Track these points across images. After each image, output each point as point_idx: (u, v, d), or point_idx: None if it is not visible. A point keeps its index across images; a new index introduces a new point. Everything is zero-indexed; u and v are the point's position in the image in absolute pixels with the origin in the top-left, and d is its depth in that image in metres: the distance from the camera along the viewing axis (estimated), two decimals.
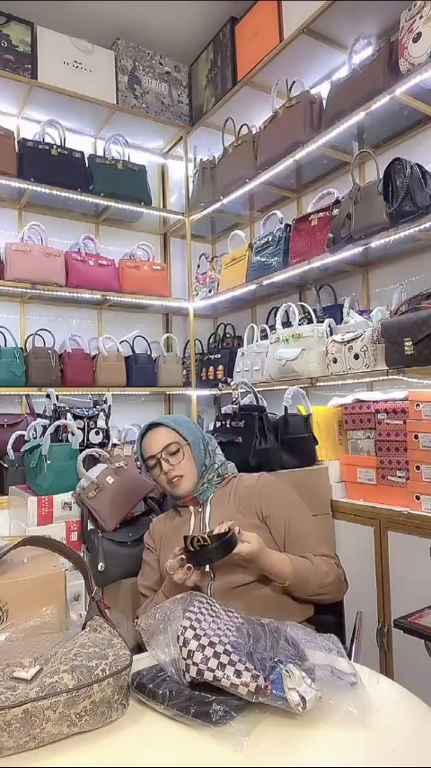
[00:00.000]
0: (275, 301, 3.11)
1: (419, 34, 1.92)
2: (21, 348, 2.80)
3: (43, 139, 2.86)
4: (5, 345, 2.77)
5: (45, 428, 2.02)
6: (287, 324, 2.58)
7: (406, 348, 1.88)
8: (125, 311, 3.41)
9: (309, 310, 2.56)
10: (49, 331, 2.92)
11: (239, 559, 1.22)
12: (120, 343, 3.08)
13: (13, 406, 2.94)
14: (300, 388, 2.23)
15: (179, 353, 3.46)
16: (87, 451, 1.98)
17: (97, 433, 2.24)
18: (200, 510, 1.45)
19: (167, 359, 3.22)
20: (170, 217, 3.45)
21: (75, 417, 2.17)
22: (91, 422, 2.23)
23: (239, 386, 2.15)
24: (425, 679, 1.63)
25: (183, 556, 1.19)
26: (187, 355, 3.37)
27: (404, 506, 1.91)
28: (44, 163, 2.80)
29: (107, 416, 2.31)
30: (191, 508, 1.47)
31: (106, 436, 2.28)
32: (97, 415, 2.27)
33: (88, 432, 2.22)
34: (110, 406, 2.35)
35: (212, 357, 3.19)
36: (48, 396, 2.29)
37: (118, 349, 3.03)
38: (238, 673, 0.82)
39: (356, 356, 2.12)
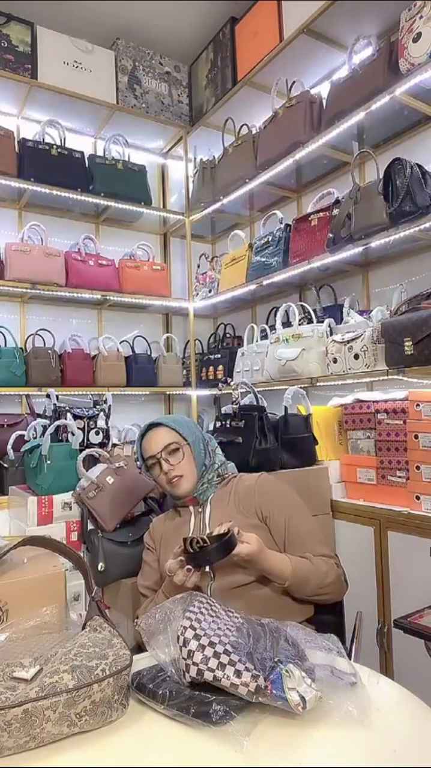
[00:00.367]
0: (275, 301, 3.11)
1: (419, 34, 1.92)
2: (21, 348, 2.80)
3: (43, 139, 2.86)
4: (5, 345, 2.77)
5: (45, 428, 2.02)
6: (287, 324, 2.58)
7: (406, 348, 1.88)
8: (125, 311, 3.41)
9: (309, 310, 2.56)
10: (49, 331, 2.92)
11: (238, 560, 1.22)
12: (120, 343, 3.08)
13: (13, 406, 2.95)
14: (300, 388, 2.23)
15: (179, 353, 3.46)
16: (87, 451, 1.98)
17: (97, 433, 2.24)
18: (200, 510, 1.45)
19: (167, 359, 3.22)
20: (170, 217, 3.45)
21: (75, 417, 2.17)
22: (91, 422, 2.23)
23: (239, 386, 2.15)
24: (425, 679, 1.63)
25: (183, 558, 1.19)
26: (187, 355, 3.37)
27: (404, 506, 1.91)
28: (44, 163, 2.80)
29: (107, 416, 2.31)
30: (191, 508, 1.47)
31: (107, 436, 2.28)
32: (97, 415, 2.26)
33: (88, 432, 2.22)
34: (110, 406, 2.35)
35: (212, 357, 3.19)
36: (48, 396, 2.29)
37: (118, 349, 3.03)
38: (238, 673, 0.82)
39: (356, 356, 2.12)
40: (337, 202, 2.36)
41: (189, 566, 1.19)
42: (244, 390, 2.16)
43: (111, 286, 3.00)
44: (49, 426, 1.99)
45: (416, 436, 1.88)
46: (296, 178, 2.89)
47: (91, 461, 2.02)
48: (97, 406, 2.33)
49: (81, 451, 1.97)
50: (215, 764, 0.73)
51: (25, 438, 2.16)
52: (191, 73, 3.46)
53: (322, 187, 2.73)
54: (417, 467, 1.88)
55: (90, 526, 1.86)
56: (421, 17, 1.93)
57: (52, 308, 3.14)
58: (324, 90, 2.48)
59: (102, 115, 3.14)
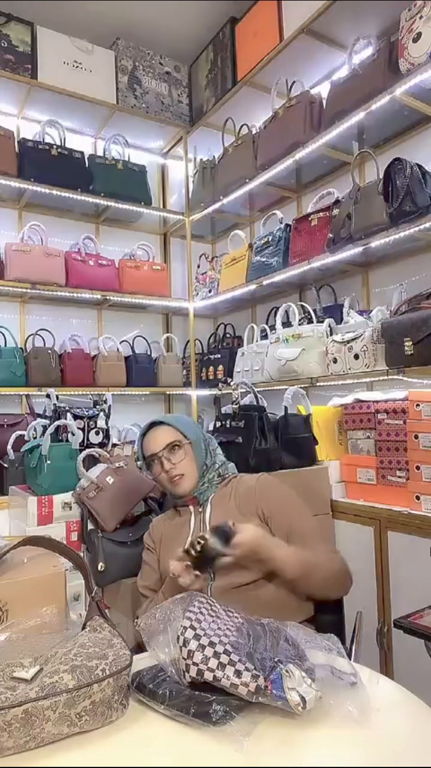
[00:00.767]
0: (275, 301, 3.11)
1: (419, 34, 1.92)
2: (21, 348, 2.80)
3: (43, 139, 2.86)
4: (5, 345, 2.77)
5: (45, 428, 2.02)
6: (287, 324, 2.58)
7: (406, 348, 1.89)
8: (125, 311, 3.41)
9: (309, 310, 2.56)
10: (49, 331, 2.92)
11: (244, 552, 1.20)
12: (120, 343, 3.08)
13: (13, 406, 2.94)
14: (300, 388, 2.23)
15: (179, 353, 3.46)
16: (87, 451, 1.98)
17: (97, 433, 2.24)
18: (200, 510, 1.45)
19: (167, 359, 3.22)
20: (170, 217, 3.45)
21: (75, 417, 2.17)
22: (91, 422, 2.23)
23: (239, 386, 2.15)
24: (425, 679, 1.62)
25: (189, 563, 1.18)
26: (187, 355, 3.37)
27: (404, 506, 1.91)
28: (44, 163, 2.80)
29: (107, 416, 2.31)
30: (191, 508, 1.47)
31: (107, 436, 2.28)
32: (97, 415, 2.27)
33: (88, 432, 2.22)
34: (109, 406, 2.35)
35: (212, 357, 3.19)
36: (48, 396, 2.29)
37: (118, 349, 3.03)
38: (238, 673, 0.82)
39: (356, 356, 2.12)
40: (337, 202, 2.36)
41: (197, 572, 1.18)
42: (244, 390, 2.16)
43: (111, 286, 3.00)
44: (49, 426, 1.99)
45: (416, 436, 1.88)
46: (296, 178, 2.89)
47: (91, 461, 2.02)
48: (97, 406, 2.33)
49: (81, 451, 1.97)
50: (215, 764, 0.73)
51: (25, 438, 2.16)
52: (191, 73, 3.46)
53: (322, 187, 2.73)
54: (417, 467, 1.88)
55: (90, 526, 1.85)
56: (421, 17, 1.93)
57: (52, 308, 3.14)
58: (324, 90, 2.48)
59: (102, 115, 3.14)
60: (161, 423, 1.49)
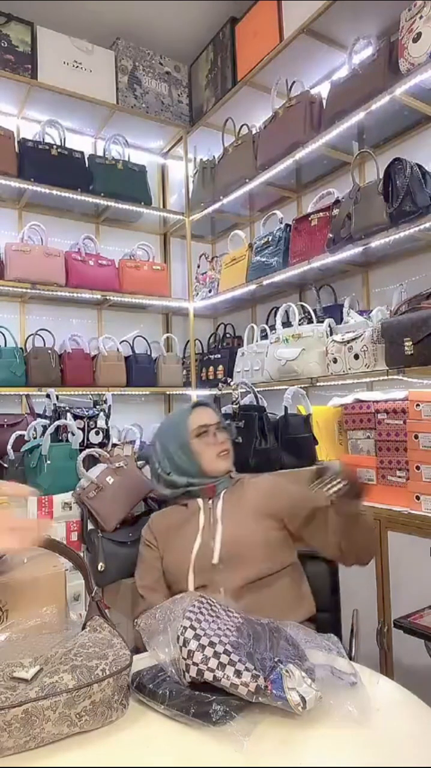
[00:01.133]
0: (275, 301, 3.11)
1: (419, 34, 1.92)
2: (21, 348, 2.80)
3: (43, 139, 2.86)
4: (5, 345, 2.77)
5: (45, 428, 2.02)
6: (287, 324, 2.58)
7: (406, 348, 1.89)
8: (125, 311, 3.40)
9: (309, 310, 2.56)
10: (49, 331, 2.92)
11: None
12: (120, 343, 3.08)
13: (13, 406, 2.94)
14: (300, 388, 2.23)
15: (179, 353, 3.46)
16: (87, 451, 1.98)
17: (97, 433, 2.24)
18: (209, 504, 1.46)
19: (167, 359, 3.22)
20: (170, 217, 3.45)
21: (75, 417, 2.17)
22: (91, 422, 2.23)
23: (239, 386, 2.15)
24: (425, 679, 1.63)
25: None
26: (187, 355, 3.37)
27: (404, 506, 1.91)
28: (44, 163, 2.80)
29: (107, 416, 2.31)
30: (200, 501, 1.47)
31: (107, 436, 2.28)
32: (97, 415, 2.27)
33: (88, 432, 2.22)
34: (109, 406, 2.35)
35: (212, 357, 3.19)
36: (48, 396, 2.29)
37: (118, 349, 3.03)
38: (238, 673, 0.82)
39: (356, 356, 2.12)
40: (337, 202, 2.36)
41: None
42: (244, 390, 2.16)
43: (111, 286, 3.00)
44: (49, 426, 2.00)
45: (416, 436, 1.88)
46: (296, 178, 2.89)
47: (91, 461, 2.02)
48: (97, 406, 2.33)
49: (81, 451, 1.97)
50: (215, 764, 0.73)
51: (25, 438, 2.16)
52: (191, 73, 3.46)
53: (322, 187, 2.73)
54: (417, 467, 1.88)
55: (90, 526, 1.85)
56: (421, 17, 1.93)
57: (52, 308, 3.14)
58: (324, 90, 2.48)
59: (102, 115, 3.14)
60: (208, 405, 1.58)
